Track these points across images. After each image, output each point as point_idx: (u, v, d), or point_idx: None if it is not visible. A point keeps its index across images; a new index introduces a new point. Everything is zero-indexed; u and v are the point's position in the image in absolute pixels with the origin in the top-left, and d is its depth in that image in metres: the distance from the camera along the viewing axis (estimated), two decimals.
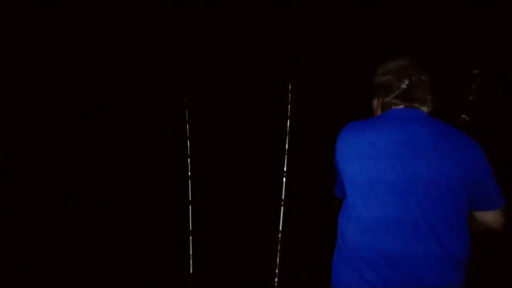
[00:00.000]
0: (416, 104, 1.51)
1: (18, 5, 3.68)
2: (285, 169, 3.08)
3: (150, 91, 4.05)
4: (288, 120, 3.14)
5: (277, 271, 2.99)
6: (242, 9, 3.85)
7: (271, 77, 3.74)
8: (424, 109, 1.51)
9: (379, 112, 1.59)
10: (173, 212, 3.65)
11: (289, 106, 3.14)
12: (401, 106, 1.52)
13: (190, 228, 3.31)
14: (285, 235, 3.04)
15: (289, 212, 3.09)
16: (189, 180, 3.37)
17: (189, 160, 3.38)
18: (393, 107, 1.54)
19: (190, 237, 3.28)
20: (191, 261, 3.23)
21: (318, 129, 3.77)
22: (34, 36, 3.78)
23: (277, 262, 2.99)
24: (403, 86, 1.51)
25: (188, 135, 3.43)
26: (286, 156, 3.10)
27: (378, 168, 1.41)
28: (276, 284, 2.99)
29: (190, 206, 3.35)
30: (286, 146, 3.12)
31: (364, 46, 3.57)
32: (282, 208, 3.08)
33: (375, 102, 1.60)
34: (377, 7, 3.63)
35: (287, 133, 3.13)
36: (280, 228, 3.05)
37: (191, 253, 3.24)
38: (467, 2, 3.36)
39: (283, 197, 3.07)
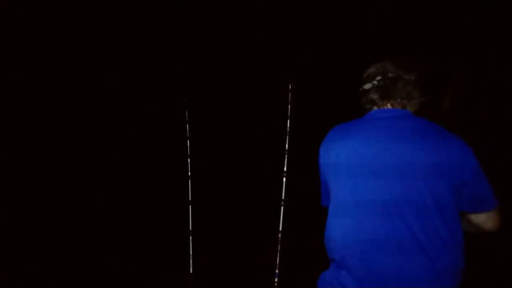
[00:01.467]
0: (395, 102, 1.47)
1: (18, 5, 3.68)
2: (285, 169, 3.08)
3: (150, 91, 4.05)
4: (288, 120, 3.14)
5: (277, 271, 2.99)
6: (242, 9, 3.85)
7: (271, 77, 3.74)
8: (408, 108, 1.47)
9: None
10: (173, 212, 3.65)
11: (289, 106, 3.14)
12: (383, 107, 1.49)
13: (190, 228, 3.31)
14: (285, 235, 3.04)
15: (289, 212, 3.09)
16: (189, 180, 3.38)
17: (189, 160, 3.38)
18: (375, 107, 1.51)
19: (190, 237, 3.28)
20: (191, 261, 3.23)
21: (318, 129, 3.76)
22: (34, 36, 3.78)
23: (277, 262, 2.99)
24: (375, 82, 1.49)
25: (188, 135, 3.43)
26: (286, 156, 3.10)
27: (357, 154, 1.40)
28: (276, 284, 2.99)
29: (190, 206, 3.35)
30: (286, 146, 3.12)
31: (364, 46, 3.57)
32: (282, 208, 3.08)
33: (361, 104, 1.58)
34: (377, 7, 3.62)
35: (287, 133, 3.14)
36: (280, 228, 3.05)
37: (191, 253, 3.25)
38: (467, 2, 3.36)
39: (283, 197, 3.07)
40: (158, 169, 4.05)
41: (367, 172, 1.37)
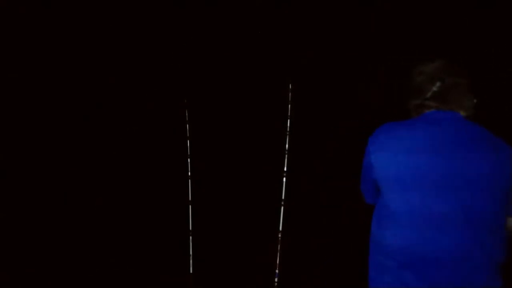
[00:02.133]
0: (452, 107, 1.49)
1: (18, 5, 3.68)
2: (285, 169, 3.08)
3: (150, 91, 4.04)
4: (288, 120, 3.14)
5: (277, 271, 3.00)
6: (242, 9, 3.85)
7: (271, 77, 3.74)
8: (462, 113, 1.50)
9: (414, 115, 1.57)
10: (173, 212, 3.65)
11: (289, 106, 3.14)
12: (436, 109, 1.50)
13: (190, 228, 3.31)
14: (285, 235, 3.05)
15: (289, 212, 3.10)
16: (189, 180, 3.38)
17: (189, 160, 3.39)
18: (426, 110, 1.51)
19: (190, 237, 3.28)
20: (191, 261, 3.23)
21: (318, 129, 3.77)
22: (34, 36, 3.78)
23: (277, 262, 2.99)
24: (434, 88, 1.49)
25: (188, 135, 3.43)
26: (286, 156, 3.10)
27: (420, 165, 1.38)
28: (276, 284, 2.99)
29: (190, 206, 3.35)
30: (286, 146, 3.12)
31: (364, 46, 3.57)
32: (282, 208, 3.08)
33: (410, 104, 1.58)
34: (377, 7, 3.62)
35: (287, 133, 3.14)
36: (280, 228, 3.05)
37: (191, 253, 3.25)
38: (467, 2, 3.36)
39: (283, 197, 3.08)
40: (158, 169, 4.05)
41: (427, 181, 1.37)
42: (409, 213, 1.38)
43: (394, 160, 1.42)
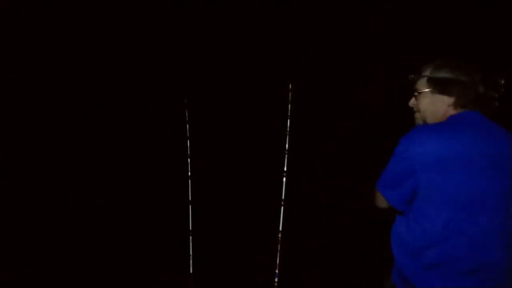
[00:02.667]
0: (478, 109, 1.50)
1: (18, 5, 3.68)
2: (285, 169, 3.08)
3: (150, 91, 4.04)
4: (288, 120, 3.14)
5: (277, 271, 3.00)
6: (242, 9, 3.85)
7: (271, 77, 3.74)
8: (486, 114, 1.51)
9: (440, 113, 1.53)
10: (173, 212, 3.65)
11: (289, 106, 3.14)
12: (468, 109, 1.49)
13: (190, 228, 3.31)
14: (285, 235, 3.04)
15: (289, 212, 3.09)
16: (189, 180, 3.37)
17: (189, 160, 3.38)
18: (460, 110, 1.50)
19: (190, 237, 3.28)
20: (191, 261, 3.23)
21: (318, 129, 3.77)
22: (34, 36, 3.78)
23: (277, 262, 2.99)
24: (481, 89, 1.48)
25: (188, 135, 3.43)
26: (286, 156, 3.10)
27: (480, 178, 1.38)
28: (276, 284, 2.99)
29: (190, 206, 3.35)
30: (286, 146, 3.12)
31: (364, 46, 3.57)
32: (282, 208, 3.08)
33: (437, 98, 1.53)
34: (377, 7, 3.62)
35: (287, 133, 3.13)
36: (280, 228, 3.05)
37: (191, 253, 3.24)
38: (467, 2, 3.36)
39: (283, 197, 3.07)
40: (158, 169, 4.05)
41: (488, 202, 1.38)
42: (475, 232, 1.37)
43: (452, 176, 1.39)
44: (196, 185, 3.42)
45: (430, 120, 1.55)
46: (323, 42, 3.75)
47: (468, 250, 1.36)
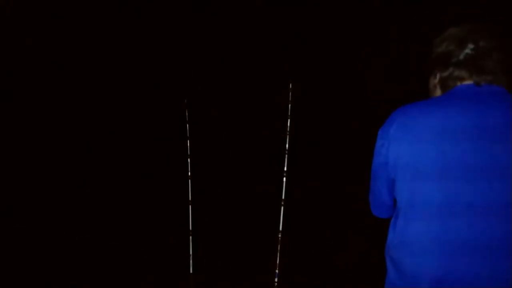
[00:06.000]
0: (488, 78, 1.18)
1: (18, 5, 3.68)
2: (285, 169, 3.07)
3: (150, 91, 4.05)
4: (288, 120, 3.14)
5: (277, 271, 2.99)
6: (242, 9, 3.85)
7: (271, 77, 3.74)
8: (502, 86, 1.19)
9: (438, 93, 1.27)
10: (173, 212, 3.65)
11: (289, 106, 3.14)
12: (469, 81, 1.20)
13: (190, 228, 3.30)
14: (285, 235, 3.04)
15: (289, 212, 3.09)
16: (189, 180, 3.37)
17: (189, 160, 3.38)
18: (458, 83, 1.22)
19: (190, 237, 3.27)
20: (191, 261, 3.22)
21: (318, 129, 3.77)
22: (34, 36, 3.78)
23: (277, 262, 2.99)
24: (467, 51, 1.19)
25: (188, 135, 3.42)
26: (286, 156, 3.10)
27: (455, 152, 1.14)
28: (276, 284, 2.98)
29: (190, 206, 3.35)
30: (286, 146, 3.11)
31: (364, 45, 3.57)
32: (282, 208, 3.07)
33: (432, 80, 1.29)
34: (377, 7, 3.63)
35: (287, 133, 3.13)
36: (280, 228, 3.05)
37: (191, 253, 3.24)
38: (467, 2, 3.36)
39: (283, 197, 3.07)
40: (158, 169, 4.05)
41: (457, 172, 1.15)
42: (428, 204, 1.16)
43: (412, 146, 1.17)
44: (196, 185, 3.42)
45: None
46: (323, 42, 3.75)
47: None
